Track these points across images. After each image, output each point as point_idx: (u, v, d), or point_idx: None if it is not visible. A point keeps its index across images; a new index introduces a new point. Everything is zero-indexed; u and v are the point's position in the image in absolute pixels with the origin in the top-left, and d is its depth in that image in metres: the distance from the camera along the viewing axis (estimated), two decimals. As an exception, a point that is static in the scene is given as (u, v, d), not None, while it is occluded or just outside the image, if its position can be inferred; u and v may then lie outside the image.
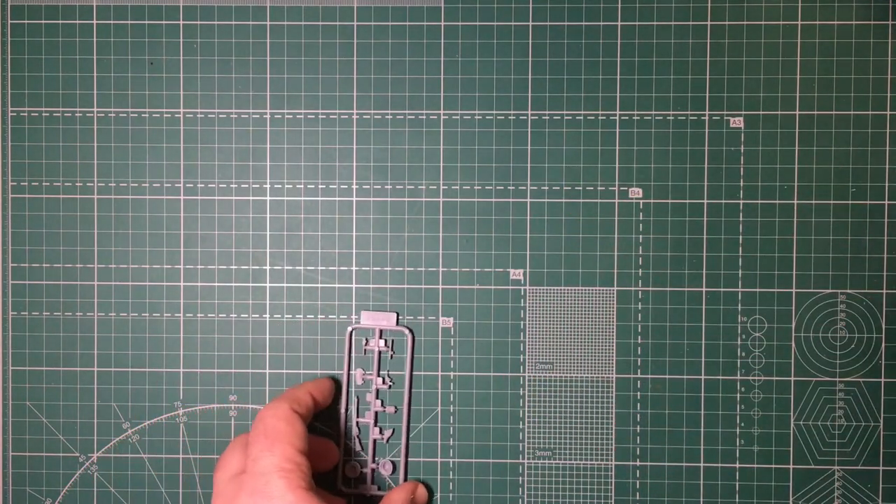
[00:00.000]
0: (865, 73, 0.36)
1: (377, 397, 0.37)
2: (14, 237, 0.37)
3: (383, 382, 0.36)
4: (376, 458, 0.37)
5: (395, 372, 0.37)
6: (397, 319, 0.36)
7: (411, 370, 0.36)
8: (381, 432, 0.37)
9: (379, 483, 0.37)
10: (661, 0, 0.36)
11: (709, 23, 0.36)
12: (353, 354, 0.36)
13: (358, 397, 0.37)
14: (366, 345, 0.37)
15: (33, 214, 0.37)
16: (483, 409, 0.37)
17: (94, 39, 0.37)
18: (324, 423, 0.37)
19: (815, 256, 0.36)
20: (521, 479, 0.37)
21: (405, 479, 0.37)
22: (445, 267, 0.37)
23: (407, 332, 0.36)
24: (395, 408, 0.37)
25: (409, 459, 0.37)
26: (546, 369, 0.37)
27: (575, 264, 0.37)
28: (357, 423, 0.37)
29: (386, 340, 0.36)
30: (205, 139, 0.37)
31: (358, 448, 0.37)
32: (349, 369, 0.36)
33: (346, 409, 0.36)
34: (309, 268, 0.37)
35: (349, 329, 0.36)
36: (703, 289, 0.36)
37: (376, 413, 0.37)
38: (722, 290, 0.36)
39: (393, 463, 0.37)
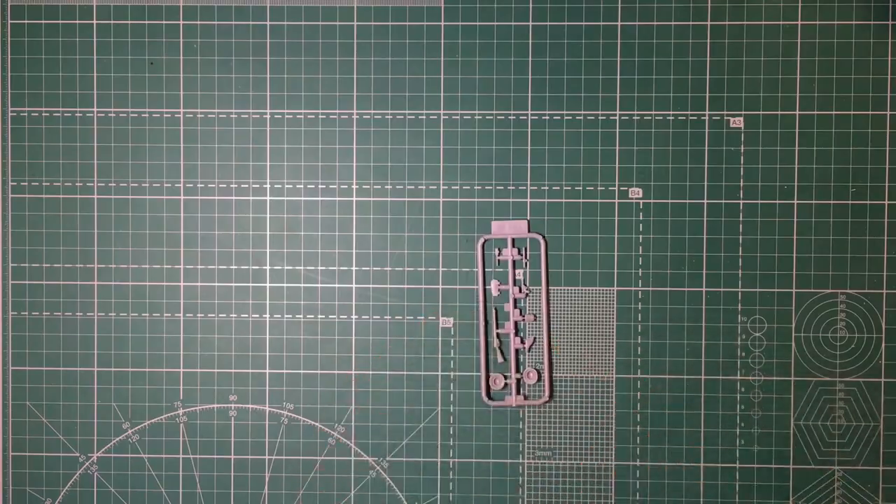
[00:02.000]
0: (865, 73, 0.36)
1: (515, 306, 0.36)
2: (14, 237, 0.37)
3: (520, 291, 0.36)
4: (520, 368, 0.37)
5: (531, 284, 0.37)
6: (528, 226, 0.36)
7: (547, 275, 0.36)
8: (522, 342, 0.36)
9: (524, 393, 0.37)
10: (661, 0, 0.36)
11: (709, 23, 0.36)
12: (485, 267, 0.36)
13: (497, 309, 0.37)
14: (498, 255, 0.36)
15: (33, 214, 0.37)
16: (483, 409, 0.37)
17: (94, 39, 0.37)
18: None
19: (815, 256, 0.36)
20: (521, 479, 0.37)
21: (550, 387, 0.36)
22: (445, 267, 0.37)
23: (540, 237, 0.36)
24: (535, 315, 0.36)
25: (409, 459, 0.37)
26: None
27: (575, 264, 0.37)
28: (497, 334, 0.37)
29: (519, 249, 0.36)
30: (205, 139, 0.37)
31: (500, 360, 0.37)
32: (483, 283, 0.36)
33: (486, 322, 0.36)
34: (309, 268, 0.37)
35: (480, 241, 0.36)
36: (703, 289, 0.36)
37: (516, 323, 0.37)
38: (722, 290, 0.36)
39: (538, 371, 0.36)
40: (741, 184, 0.36)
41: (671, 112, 0.36)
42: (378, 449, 0.37)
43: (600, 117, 0.36)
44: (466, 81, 0.37)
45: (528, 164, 0.37)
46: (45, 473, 0.37)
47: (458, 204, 0.37)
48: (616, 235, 0.36)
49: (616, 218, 0.36)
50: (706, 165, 0.36)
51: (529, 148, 0.37)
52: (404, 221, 0.37)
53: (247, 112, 0.37)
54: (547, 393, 0.36)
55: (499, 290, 0.36)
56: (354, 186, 0.37)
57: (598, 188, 0.37)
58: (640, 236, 0.36)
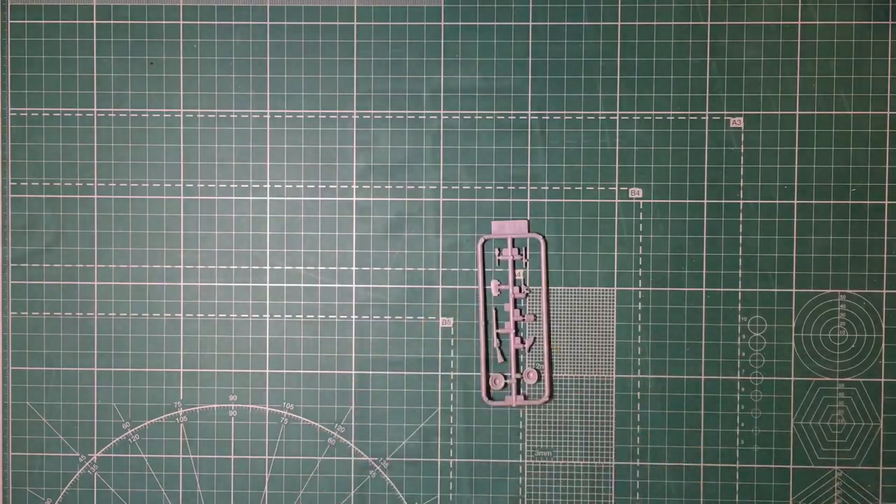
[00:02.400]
0: (865, 73, 0.36)
1: (515, 306, 0.36)
2: (14, 237, 0.37)
3: (520, 291, 0.36)
4: (520, 368, 0.37)
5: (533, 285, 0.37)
6: (528, 226, 0.36)
7: (547, 275, 0.36)
8: (522, 342, 0.36)
9: (524, 393, 0.37)
10: (661, 0, 0.36)
11: (709, 23, 0.36)
12: (485, 267, 0.36)
13: (497, 309, 0.37)
14: (498, 255, 0.36)
15: (33, 214, 0.37)
16: (483, 409, 0.37)
17: (94, 39, 0.37)
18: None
19: (815, 256, 0.36)
20: (521, 479, 0.37)
21: (550, 387, 0.36)
22: (445, 267, 0.37)
23: (540, 238, 0.36)
24: (535, 316, 0.36)
25: (409, 459, 0.37)
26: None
27: (575, 264, 0.37)
28: (497, 334, 0.37)
29: (519, 248, 0.36)
30: (205, 139, 0.37)
31: (500, 360, 0.37)
32: (483, 283, 0.36)
33: (486, 322, 0.36)
34: (309, 268, 0.37)
35: (481, 241, 0.36)
36: (703, 289, 0.36)
37: (516, 323, 0.37)
38: (722, 290, 0.36)
39: (538, 371, 0.36)
40: (741, 184, 0.36)
41: (671, 112, 0.36)
42: (378, 449, 0.37)
43: (600, 117, 0.36)
44: (466, 81, 0.37)
45: (528, 164, 0.37)
46: (45, 473, 0.37)
47: (458, 204, 0.37)
48: (616, 235, 0.36)
49: (616, 218, 0.37)
50: (706, 165, 0.36)
51: (529, 148, 0.37)
52: (404, 221, 0.37)
53: (247, 112, 0.37)
54: (547, 393, 0.36)
55: (499, 290, 0.36)
56: (354, 186, 0.37)
57: (598, 188, 0.37)
58: (640, 236, 0.36)
